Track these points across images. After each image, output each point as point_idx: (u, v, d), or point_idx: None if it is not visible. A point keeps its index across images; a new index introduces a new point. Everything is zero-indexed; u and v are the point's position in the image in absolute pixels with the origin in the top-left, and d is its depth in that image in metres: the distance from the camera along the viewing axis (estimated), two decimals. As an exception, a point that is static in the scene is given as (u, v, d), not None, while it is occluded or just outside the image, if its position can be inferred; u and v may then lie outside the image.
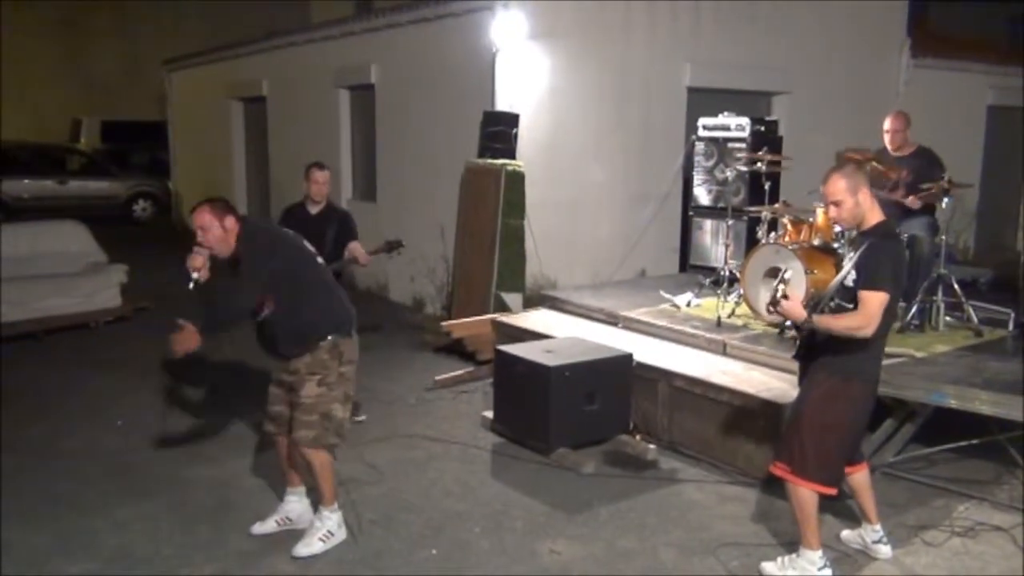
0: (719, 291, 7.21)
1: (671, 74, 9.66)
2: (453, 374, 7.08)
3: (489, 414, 6.15)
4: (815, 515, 4.00)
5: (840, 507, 4.87)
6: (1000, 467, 5.30)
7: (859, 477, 4.27)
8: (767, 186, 7.57)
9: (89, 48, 22.77)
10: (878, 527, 4.33)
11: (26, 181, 16.38)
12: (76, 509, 4.79)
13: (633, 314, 7.20)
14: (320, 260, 4.45)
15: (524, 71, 8.64)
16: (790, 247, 6.65)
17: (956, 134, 10.49)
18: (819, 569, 4.01)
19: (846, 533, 4.47)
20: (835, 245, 6.52)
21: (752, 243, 7.68)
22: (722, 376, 5.74)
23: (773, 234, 7.16)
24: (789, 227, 7.01)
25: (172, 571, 4.16)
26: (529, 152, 8.49)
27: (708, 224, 8.88)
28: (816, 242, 6.70)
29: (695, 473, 5.41)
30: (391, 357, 7.95)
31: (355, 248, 5.95)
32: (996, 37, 14.73)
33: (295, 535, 4.47)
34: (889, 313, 3.83)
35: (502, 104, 8.50)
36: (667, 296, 7.55)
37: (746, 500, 5.03)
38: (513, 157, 8.24)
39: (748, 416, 5.36)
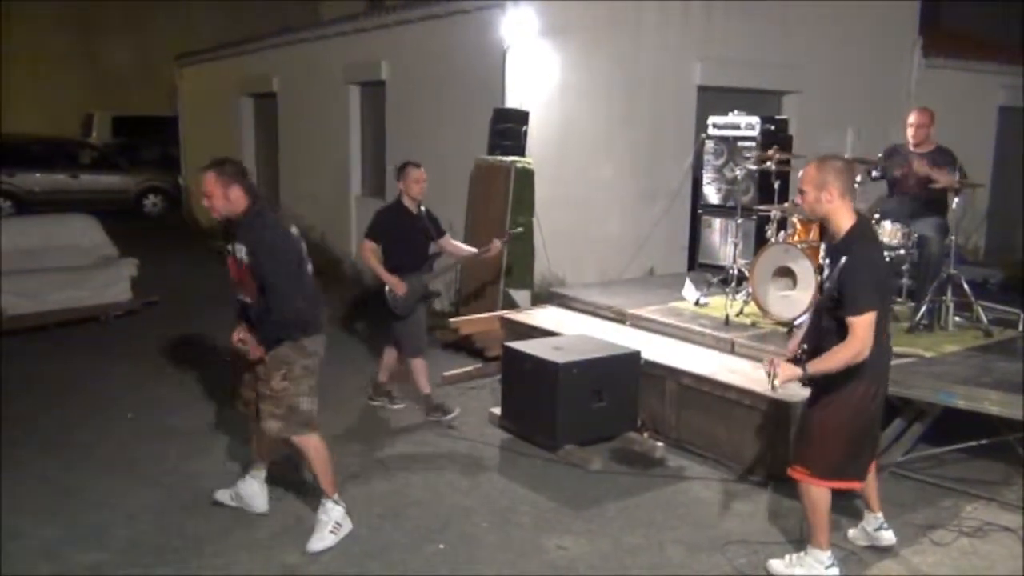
0: (728, 290, 7.21)
1: (681, 72, 9.64)
2: (461, 370, 7.10)
3: (497, 410, 6.17)
4: (827, 515, 4.00)
5: (848, 506, 4.88)
6: (1008, 468, 5.29)
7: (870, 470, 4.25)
8: (776, 185, 7.56)
9: (101, 43, 22.86)
10: (879, 515, 4.36)
11: (38, 175, 16.46)
12: (86, 501, 4.83)
13: (641, 312, 7.21)
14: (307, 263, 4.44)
15: (534, 68, 8.64)
16: (799, 246, 6.65)
17: (967, 134, 10.42)
18: (827, 568, 4.01)
19: (852, 532, 4.47)
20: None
21: (761, 242, 7.66)
22: (730, 374, 5.74)
23: (782, 233, 7.15)
24: (798, 226, 7.00)
25: (181, 562, 4.19)
26: (539, 149, 8.49)
27: (717, 223, 8.86)
28: (825, 241, 6.69)
29: (702, 471, 5.42)
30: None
31: (445, 243, 6.29)
32: (1008, 37, 14.65)
33: (303, 527, 4.50)
34: (883, 313, 3.81)
35: (512, 101, 8.50)
36: (692, 287, 7.53)
37: (753, 498, 5.03)
38: (523, 154, 8.25)
39: (756, 415, 5.36)
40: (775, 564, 4.15)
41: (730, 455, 5.50)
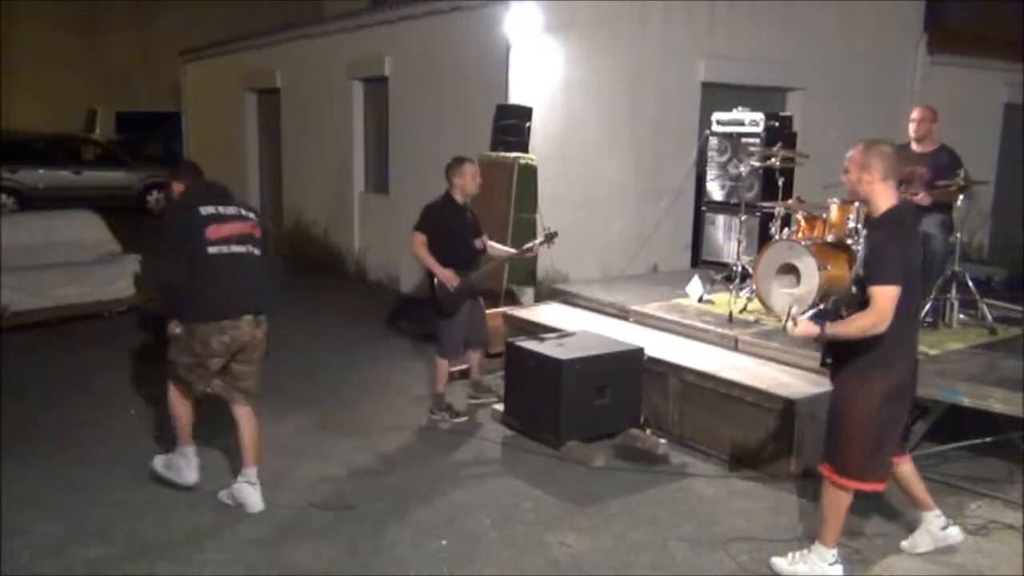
0: (731, 287, 7.19)
1: (685, 69, 9.62)
2: (464, 367, 7.09)
3: (500, 407, 6.16)
4: (843, 514, 4.00)
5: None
6: (1012, 465, 5.28)
7: (903, 469, 4.24)
8: (780, 182, 7.55)
9: (105, 39, 22.88)
10: (938, 511, 4.31)
11: (41, 171, 16.45)
12: (89, 496, 4.83)
13: (644, 309, 7.20)
14: (248, 249, 4.63)
15: (538, 65, 8.62)
16: (803, 243, 6.62)
17: (972, 132, 10.39)
18: (830, 564, 4.00)
19: (906, 543, 4.36)
20: (848, 241, 6.48)
21: (765, 239, 7.65)
22: (733, 371, 5.73)
23: (786, 230, 7.12)
24: (802, 223, 6.97)
25: (184, 557, 4.19)
26: (542, 146, 8.47)
27: (721, 219, 8.85)
28: (830, 238, 6.65)
29: (705, 468, 5.42)
30: (403, 349, 7.97)
31: (485, 241, 6.20)
32: (1013, 35, 14.61)
33: (306, 524, 4.51)
34: (908, 300, 3.77)
35: (515, 97, 8.49)
36: (698, 283, 7.53)
37: (756, 495, 5.03)
38: (526, 150, 8.23)
39: (759, 412, 5.35)
40: (778, 562, 4.15)
41: (733, 452, 5.49)
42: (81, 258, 9.16)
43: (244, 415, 4.79)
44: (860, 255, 3.94)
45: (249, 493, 4.70)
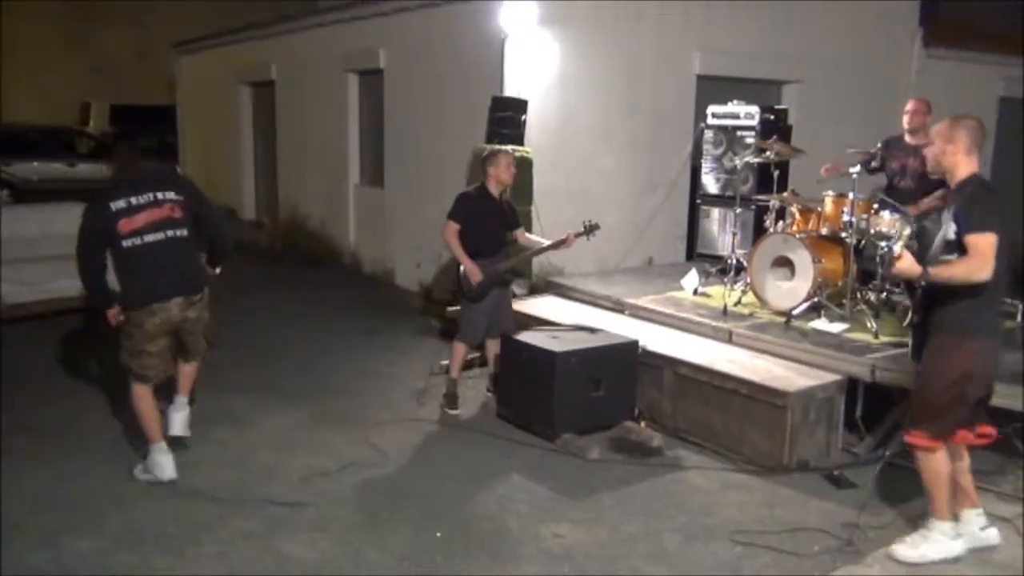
0: (726, 279, 7.20)
1: (681, 62, 9.61)
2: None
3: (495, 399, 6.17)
4: (945, 480, 4.05)
5: (846, 495, 4.89)
6: (1004, 458, 5.29)
7: (964, 461, 4.23)
8: (775, 175, 7.55)
9: (99, 32, 22.79)
10: (980, 510, 4.28)
11: (35, 164, 16.42)
12: (82, 487, 4.83)
13: (639, 302, 7.20)
14: (166, 235, 4.77)
15: (533, 57, 8.60)
16: (798, 236, 6.64)
17: (967, 125, 10.40)
18: (952, 539, 4.07)
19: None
20: (843, 234, 6.50)
21: (760, 232, 7.66)
22: (727, 364, 5.74)
23: (781, 223, 7.15)
24: (797, 216, 7.00)
25: (177, 549, 4.18)
26: (537, 138, 8.47)
27: (716, 212, 8.85)
28: (824, 231, 6.68)
29: (700, 460, 5.43)
30: (397, 342, 7.97)
31: (520, 235, 6.28)
32: (1009, 28, 14.60)
33: (300, 516, 4.51)
34: (1000, 263, 3.78)
35: (511, 90, 8.47)
36: (695, 277, 7.53)
37: (750, 487, 5.04)
38: (521, 143, 8.21)
39: (753, 404, 5.36)
40: (899, 549, 4.14)
41: (727, 445, 5.50)
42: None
43: (189, 366, 5.26)
44: (947, 218, 3.90)
45: (160, 463, 4.90)
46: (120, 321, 4.84)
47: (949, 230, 3.87)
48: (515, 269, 6.47)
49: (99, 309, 4.88)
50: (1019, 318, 6.46)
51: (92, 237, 4.73)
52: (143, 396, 4.92)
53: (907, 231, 3.99)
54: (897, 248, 3.92)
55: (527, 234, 6.49)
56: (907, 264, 3.88)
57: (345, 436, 5.69)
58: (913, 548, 4.12)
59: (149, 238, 4.70)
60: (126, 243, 4.67)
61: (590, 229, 6.18)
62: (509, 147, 8.10)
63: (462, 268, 6.08)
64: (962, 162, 3.96)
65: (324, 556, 4.17)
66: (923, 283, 4.00)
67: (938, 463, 4.01)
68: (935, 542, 4.08)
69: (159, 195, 4.79)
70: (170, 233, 4.77)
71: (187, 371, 5.28)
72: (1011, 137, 12.79)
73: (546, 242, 6.39)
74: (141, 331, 4.75)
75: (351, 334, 8.24)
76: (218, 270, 5.23)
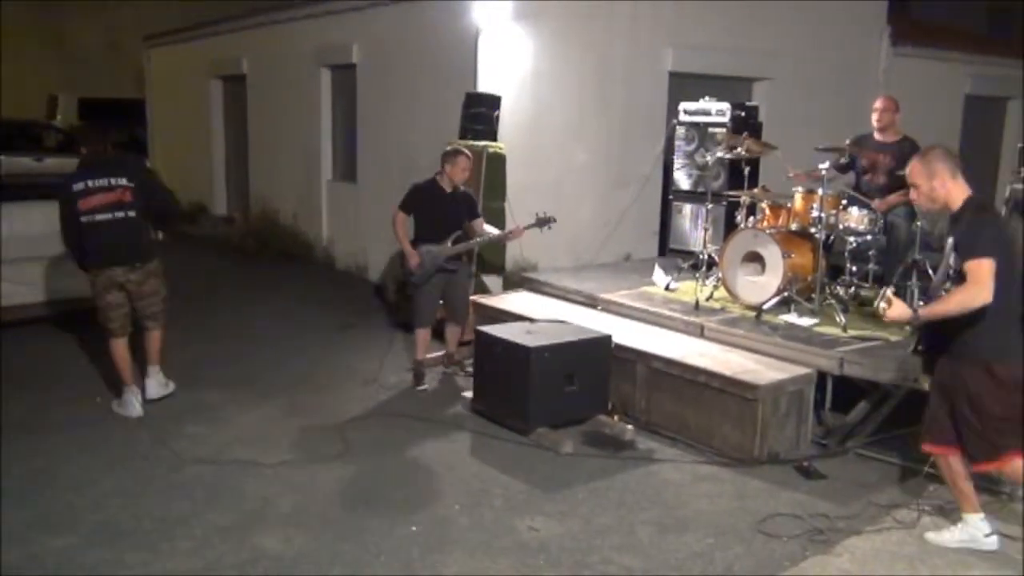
0: (698, 275, 7.27)
1: (653, 58, 9.68)
2: (433, 355, 7.10)
3: (469, 394, 6.20)
4: (968, 480, 4.18)
5: (815, 486, 4.97)
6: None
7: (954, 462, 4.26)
8: (747, 171, 7.63)
9: (67, 24, 22.44)
10: (981, 516, 4.30)
11: (1, 157, 16.15)
12: (56, 485, 4.79)
13: (612, 297, 7.26)
14: (114, 216, 5.69)
15: (507, 53, 8.63)
16: (768, 231, 6.73)
17: (934, 123, 10.56)
18: (985, 536, 4.19)
19: (932, 534, 4.38)
20: (812, 230, 6.59)
21: (731, 228, 7.74)
22: (699, 358, 5.80)
23: (752, 219, 7.23)
24: (767, 212, 7.08)
25: (152, 545, 4.17)
26: (511, 134, 8.49)
27: (688, 208, 8.93)
28: (794, 227, 6.77)
29: (672, 453, 5.49)
30: (371, 337, 7.97)
31: (475, 225, 6.64)
32: (975, 26, 14.85)
33: (276, 509, 4.51)
34: (1009, 284, 3.81)
35: (484, 86, 8.49)
36: (661, 273, 7.59)
37: (721, 479, 5.10)
38: (495, 139, 8.23)
39: (724, 397, 5.43)
40: (933, 533, 4.27)
41: (699, 437, 5.57)
42: None
43: (152, 334, 6.06)
44: (949, 247, 3.97)
45: (130, 401, 5.84)
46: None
47: (951, 259, 3.95)
48: (459, 256, 6.69)
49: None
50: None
51: (64, 209, 5.73)
52: (115, 347, 5.90)
53: (890, 290, 4.06)
54: (882, 305, 3.97)
55: (485, 225, 6.75)
56: (898, 311, 3.96)
57: (319, 431, 5.69)
58: (949, 533, 4.26)
59: (99, 217, 5.66)
60: (84, 219, 5.65)
61: (543, 221, 6.54)
62: (483, 143, 8.14)
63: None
64: (952, 189, 4.03)
65: (299, 550, 4.18)
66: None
67: (953, 460, 4.14)
68: (971, 535, 4.21)
69: (112, 180, 5.71)
70: (117, 214, 5.70)
71: (151, 340, 6.05)
72: (977, 135, 13.02)
73: (495, 231, 6.74)
74: (95, 287, 5.79)
75: (325, 329, 8.23)
76: (160, 234, 6.46)
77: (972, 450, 4.08)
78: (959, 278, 3.90)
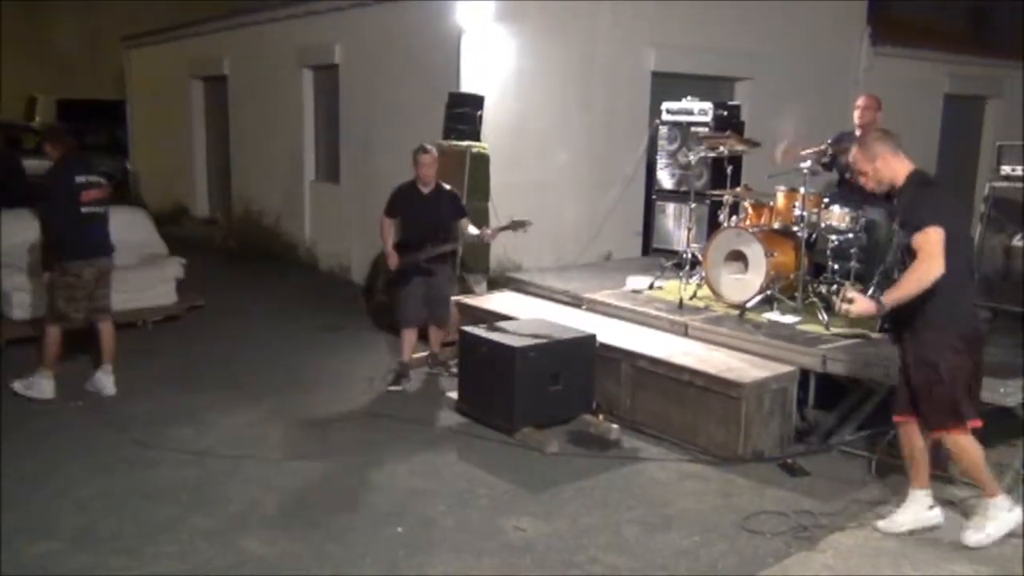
0: (681, 274, 7.30)
1: (636, 58, 9.70)
2: (418, 355, 7.09)
3: (454, 395, 6.19)
4: (981, 459, 4.15)
5: (800, 483, 4.99)
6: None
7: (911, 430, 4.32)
8: (729, 170, 7.66)
9: (46, 24, 22.23)
10: (928, 491, 4.39)
11: None
12: (38, 489, 4.75)
13: (597, 296, 7.27)
14: (102, 209, 6.16)
15: (489, 53, 8.62)
16: (751, 230, 6.76)
17: (913, 122, 10.65)
18: (1009, 511, 4.17)
19: (883, 524, 4.42)
20: (795, 228, 6.62)
21: (714, 226, 7.77)
22: (684, 357, 5.82)
23: (735, 217, 7.26)
24: (750, 211, 7.12)
25: (137, 550, 4.14)
26: (494, 134, 8.49)
27: (671, 208, 8.95)
28: (776, 225, 6.81)
29: (657, 452, 5.50)
30: (355, 338, 7.95)
31: (460, 225, 6.62)
32: (954, 26, 14.95)
33: (260, 512, 4.50)
34: (956, 252, 3.87)
35: (467, 86, 8.49)
36: (636, 280, 7.59)
37: (706, 477, 5.13)
38: (478, 139, 8.23)
39: (709, 396, 5.45)
40: (969, 536, 4.23)
41: (684, 436, 5.59)
42: (121, 261, 7.74)
43: (104, 328, 6.32)
44: (897, 230, 4.05)
45: (43, 385, 6.07)
46: (52, 278, 6.01)
47: (900, 238, 4.02)
48: (441, 258, 6.62)
49: (45, 267, 6.13)
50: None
51: (67, 200, 5.99)
52: (55, 335, 6.12)
53: (847, 283, 4.13)
54: (844, 305, 4.01)
55: (470, 227, 6.72)
56: (862, 306, 4.01)
57: (304, 433, 5.68)
58: (980, 531, 4.23)
59: (94, 209, 6.09)
60: (84, 210, 6.01)
61: (516, 225, 6.43)
62: (466, 143, 8.14)
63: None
64: (895, 165, 4.09)
65: (285, 553, 4.16)
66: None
67: (969, 445, 4.12)
68: (995, 519, 4.20)
69: (95, 177, 6.13)
70: (100, 209, 6.14)
71: (105, 333, 6.31)
72: (956, 134, 13.13)
73: (475, 231, 6.68)
74: (80, 279, 6.02)
75: (308, 331, 8.20)
76: None
77: (926, 418, 4.16)
78: (910, 255, 3.94)
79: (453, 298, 7.58)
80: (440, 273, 6.66)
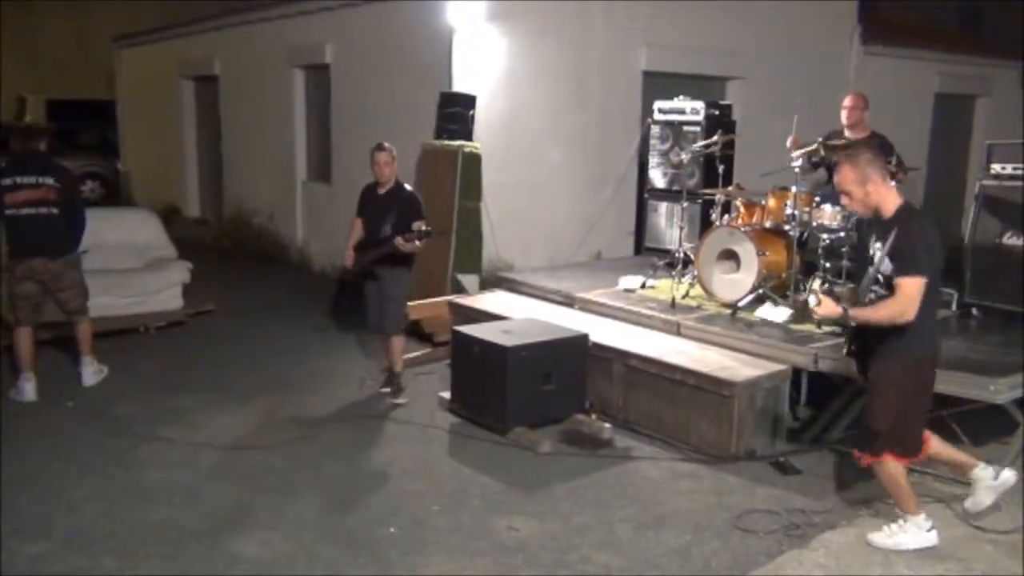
0: (673, 273, 7.31)
1: (627, 58, 9.71)
2: (410, 355, 7.09)
3: (446, 395, 6.19)
4: (906, 484, 4.22)
5: (791, 482, 5.01)
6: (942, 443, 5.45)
7: (934, 446, 4.38)
8: (721, 169, 7.67)
9: (36, 24, 22.13)
10: (983, 463, 4.44)
11: None
12: (30, 492, 4.73)
13: (589, 295, 7.27)
14: (37, 211, 6.13)
15: (481, 53, 8.62)
16: (743, 229, 6.77)
17: (904, 121, 10.68)
18: (927, 531, 4.22)
19: (968, 504, 4.48)
20: (787, 227, 6.64)
21: (706, 225, 7.78)
22: (676, 356, 5.83)
23: (726, 216, 7.27)
24: (742, 210, 7.13)
25: (127, 552, 4.13)
26: (486, 134, 8.49)
27: (663, 207, 8.96)
28: (768, 224, 6.82)
29: (650, 451, 5.51)
30: (348, 338, 7.93)
31: (418, 227, 6.15)
32: (944, 25, 15.02)
33: (250, 514, 4.49)
34: (933, 291, 3.96)
35: (459, 85, 8.49)
36: (628, 280, 7.60)
37: (699, 476, 5.14)
38: (470, 138, 8.23)
39: (701, 394, 5.46)
40: (876, 537, 4.28)
41: (676, 435, 5.59)
42: (126, 264, 8.01)
43: (81, 327, 6.46)
44: (881, 252, 4.02)
45: (25, 388, 6.13)
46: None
47: (883, 266, 4.01)
48: (391, 262, 6.15)
49: None
50: (953, 307, 6.69)
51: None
52: (19, 335, 6.20)
53: (816, 283, 4.15)
54: (812, 299, 4.06)
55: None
56: (827, 309, 4.05)
57: (295, 434, 5.66)
58: (889, 536, 4.26)
59: (23, 212, 6.09)
60: (8, 212, 6.07)
61: (421, 235, 5.94)
62: (458, 142, 8.14)
63: None
64: (884, 193, 4.07)
65: (277, 554, 4.16)
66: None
67: (888, 468, 4.17)
68: (910, 533, 4.24)
69: (39, 179, 6.16)
70: (40, 210, 6.13)
71: (81, 332, 6.45)
72: (946, 133, 13.17)
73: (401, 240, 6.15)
74: (13, 276, 6.13)
75: (300, 332, 8.18)
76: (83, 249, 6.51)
77: (863, 437, 4.23)
78: (888, 287, 3.98)
79: (446, 298, 7.57)
80: (386, 276, 6.17)
